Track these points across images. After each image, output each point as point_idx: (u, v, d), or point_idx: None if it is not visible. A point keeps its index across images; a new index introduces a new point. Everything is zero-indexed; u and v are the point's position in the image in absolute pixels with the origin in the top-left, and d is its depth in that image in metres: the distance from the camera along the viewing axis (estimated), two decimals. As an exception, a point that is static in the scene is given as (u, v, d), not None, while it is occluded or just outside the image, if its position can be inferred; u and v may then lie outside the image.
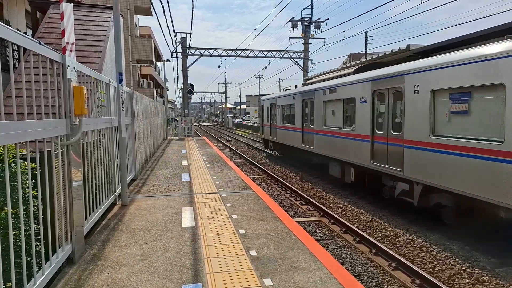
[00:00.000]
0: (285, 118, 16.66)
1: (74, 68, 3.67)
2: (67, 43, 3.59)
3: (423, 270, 5.35)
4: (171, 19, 74.24)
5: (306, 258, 3.73)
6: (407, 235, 7.02)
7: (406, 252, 6.27)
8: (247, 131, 48.20)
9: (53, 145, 3.31)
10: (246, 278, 3.27)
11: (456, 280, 5.18)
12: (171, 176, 8.67)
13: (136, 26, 33.41)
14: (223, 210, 5.61)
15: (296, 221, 8.19)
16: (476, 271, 5.37)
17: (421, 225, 7.55)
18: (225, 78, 78.03)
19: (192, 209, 5.63)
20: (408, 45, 13.22)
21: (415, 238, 6.82)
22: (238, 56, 27.59)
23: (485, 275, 5.24)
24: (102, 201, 5.04)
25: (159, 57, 44.36)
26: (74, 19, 3.83)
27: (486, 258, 5.86)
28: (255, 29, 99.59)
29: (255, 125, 52.13)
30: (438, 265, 5.66)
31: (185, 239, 4.29)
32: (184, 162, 11.16)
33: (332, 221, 8.14)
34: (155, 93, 33.94)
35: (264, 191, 11.16)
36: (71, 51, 3.63)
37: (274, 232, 4.56)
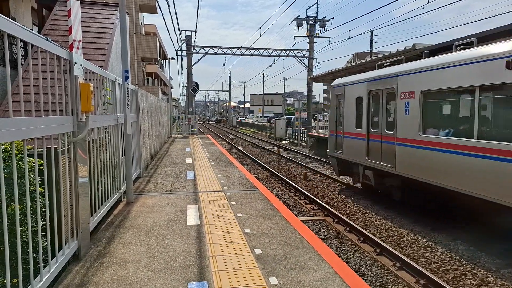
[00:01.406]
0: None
1: (81, 65, 3.68)
2: (74, 40, 3.59)
3: (427, 271, 5.32)
4: (176, 17, 74.48)
5: (311, 257, 3.72)
6: (412, 235, 6.98)
7: (410, 252, 6.24)
8: (251, 129, 48.20)
9: (59, 141, 3.32)
10: (252, 276, 3.27)
11: (461, 280, 5.14)
12: (175, 174, 8.69)
13: (141, 24, 33.49)
14: (228, 208, 5.61)
15: (301, 220, 8.22)
16: (481, 272, 5.33)
17: (425, 225, 7.50)
18: (230, 77, 78.06)
19: (197, 207, 5.63)
20: (414, 44, 13.15)
21: (419, 238, 6.78)
22: (243, 54, 27.54)
23: (490, 276, 5.20)
24: (108, 198, 5.06)
25: (163, 55, 44.45)
26: (81, 16, 3.84)
27: (491, 259, 5.81)
28: (260, 27, 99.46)
29: (258, 123, 52.09)
30: (442, 265, 5.63)
31: (190, 237, 4.30)
32: (189, 160, 11.18)
33: (336, 220, 8.12)
34: (159, 91, 34.02)
35: (269, 189, 11.20)
36: (78, 48, 3.64)
37: (279, 231, 4.55)
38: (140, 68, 30.88)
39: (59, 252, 3.25)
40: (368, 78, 9.57)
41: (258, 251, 3.87)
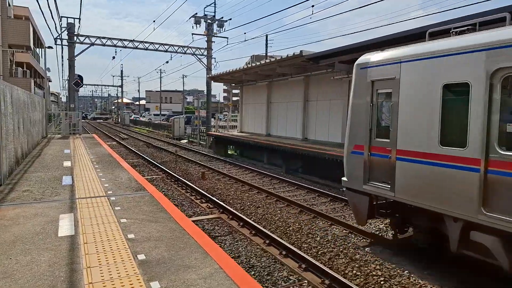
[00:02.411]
0: None
1: None
2: None
3: (308, 255, 5.88)
4: (55, 0, 64.99)
5: (198, 256, 3.69)
6: (296, 224, 7.63)
7: (295, 240, 6.81)
8: (147, 128, 45.68)
9: None
10: (132, 284, 3.06)
11: (335, 260, 5.85)
12: (48, 180, 7.58)
13: (9, 5, 28.21)
14: (110, 214, 5.15)
15: (195, 220, 8.14)
16: (351, 251, 6.17)
17: (309, 215, 8.32)
18: (122, 71, 72.36)
19: (72, 216, 5.01)
20: (301, 51, 14.37)
21: (302, 226, 7.46)
22: (136, 48, 25.77)
23: (357, 254, 6.06)
24: None
25: (40, 43, 38.39)
26: None
27: (359, 239, 6.78)
28: (154, 21, 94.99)
29: (154, 122, 49.74)
30: (321, 249, 6.31)
31: (61, 249, 3.79)
32: (67, 163, 9.90)
33: (231, 217, 8.31)
34: (32, 84, 29.28)
35: (162, 191, 10.75)
36: None
37: (167, 233, 4.39)
38: (6, 56, 25.98)
39: None
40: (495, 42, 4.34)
41: (141, 256, 3.65)
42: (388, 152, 5.74)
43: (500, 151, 4.28)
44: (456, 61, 4.75)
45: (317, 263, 5.40)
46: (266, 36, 35.92)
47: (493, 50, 4.34)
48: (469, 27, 5.16)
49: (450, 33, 5.31)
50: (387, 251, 6.17)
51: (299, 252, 5.85)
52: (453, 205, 4.71)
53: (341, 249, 6.26)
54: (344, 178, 6.63)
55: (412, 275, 5.24)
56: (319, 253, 6.15)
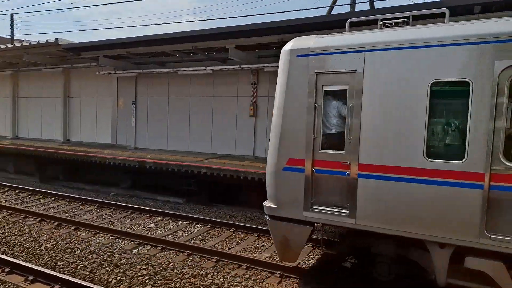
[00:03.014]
0: None
1: None
2: None
3: (65, 273, 5.15)
4: None
5: None
6: (51, 241, 6.53)
7: (48, 259, 5.79)
8: None
9: None
10: None
11: (97, 271, 5.39)
12: None
13: None
14: None
15: None
16: (116, 257, 5.89)
17: (69, 227, 7.32)
18: None
19: None
20: (56, 39, 12.41)
21: (59, 242, 6.47)
22: None
23: (123, 259, 5.85)
24: None
25: None
26: None
27: (126, 243, 6.58)
28: None
29: None
30: (81, 263, 5.65)
31: None
32: None
33: None
34: None
35: None
36: None
37: None
38: None
39: None
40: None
41: None
42: (344, 168, 4.47)
43: (506, 163, 3.71)
44: (452, 53, 3.89)
45: (70, 278, 4.81)
46: (12, 15, 29.00)
47: (503, 44, 3.68)
48: (404, 19, 4.70)
49: (379, 25, 4.73)
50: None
51: (51, 272, 5.01)
52: (443, 230, 3.96)
53: (105, 258, 5.85)
54: (268, 204, 4.93)
55: (176, 267, 5.60)
56: (79, 267, 5.49)
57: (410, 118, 4.07)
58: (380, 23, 4.71)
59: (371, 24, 4.90)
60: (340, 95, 4.49)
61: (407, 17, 4.67)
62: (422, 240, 4.17)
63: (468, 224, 3.85)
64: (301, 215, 4.67)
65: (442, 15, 4.48)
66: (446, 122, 4.09)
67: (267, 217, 4.99)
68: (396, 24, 4.65)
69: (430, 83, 3.99)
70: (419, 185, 4.03)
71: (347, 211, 4.42)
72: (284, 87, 4.73)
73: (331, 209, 4.52)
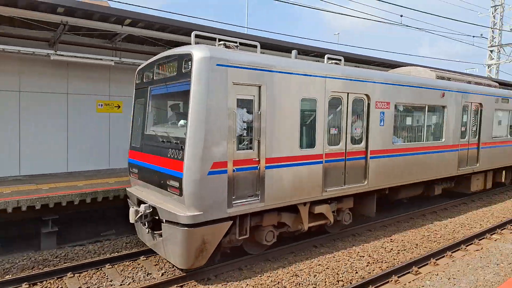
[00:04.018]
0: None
1: None
2: None
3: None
4: None
5: None
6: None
7: None
8: None
9: None
10: None
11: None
12: None
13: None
14: None
15: None
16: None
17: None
18: None
19: None
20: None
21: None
22: None
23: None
24: None
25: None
26: None
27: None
28: None
29: None
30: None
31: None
32: None
33: None
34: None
35: None
36: None
37: None
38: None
39: None
40: None
41: None
42: (255, 163, 5.61)
43: (329, 147, 6.92)
44: (311, 80, 6.50)
45: None
46: None
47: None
48: (235, 44, 5.93)
49: (216, 41, 5.86)
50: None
51: None
52: (305, 193, 6.42)
53: None
54: (189, 213, 4.99)
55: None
56: None
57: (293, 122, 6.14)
58: (219, 42, 5.87)
59: (212, 40, 5.93)
60: (250, 104, 5.56)
61: (236, 42, 5.98)
62: (295, 205, 6.28)
63: (317, 186, 6.43)
64: (225, 213, 5.23)
65: (255, 46, 6.35)
66: (309, 124, 6.44)
67: (184, 229, 4.98)
68: (228, 47, 5.82)
69: (301, 98, 6.18)
70: (298, 166, 6.15)
71: (258, 198, 5.63)
72: (205, 94, 5.02)
73: (247, 200, 5.49)
